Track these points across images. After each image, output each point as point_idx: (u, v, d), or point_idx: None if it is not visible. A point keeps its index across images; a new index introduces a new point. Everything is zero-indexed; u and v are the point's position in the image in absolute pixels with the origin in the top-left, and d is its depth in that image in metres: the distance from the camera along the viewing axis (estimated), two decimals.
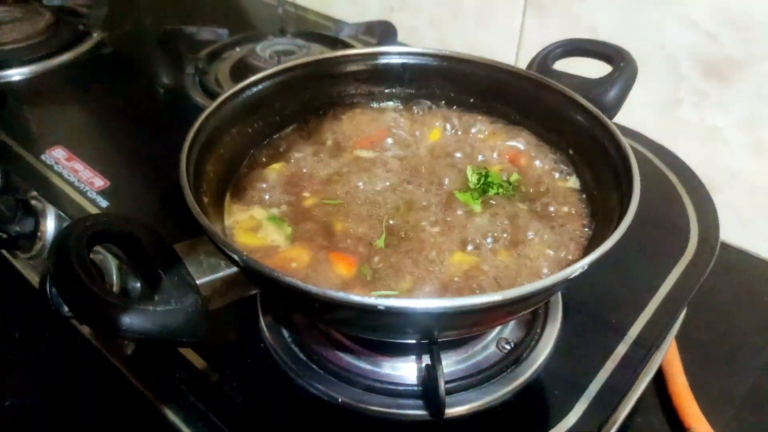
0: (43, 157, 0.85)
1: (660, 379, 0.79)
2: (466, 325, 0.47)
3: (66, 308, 0.52)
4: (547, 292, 0.45)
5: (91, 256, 0.43)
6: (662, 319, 0.65)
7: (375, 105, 0.72)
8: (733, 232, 0.99)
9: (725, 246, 0.99)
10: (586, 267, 0.43)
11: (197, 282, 0.45)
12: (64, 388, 0.76)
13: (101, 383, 0.73)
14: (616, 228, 0.45)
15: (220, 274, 0.46)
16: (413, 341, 0.53)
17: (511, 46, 1.12)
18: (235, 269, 0.47)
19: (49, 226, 0.80)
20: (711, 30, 0.91)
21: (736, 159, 0.99)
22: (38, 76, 1.06)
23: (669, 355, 0.80)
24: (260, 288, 0.48)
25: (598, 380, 0.59)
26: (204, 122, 0.56)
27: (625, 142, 0.54)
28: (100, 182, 0.81)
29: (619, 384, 0.58)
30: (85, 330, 0.76)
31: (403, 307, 0.40)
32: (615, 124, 0.90)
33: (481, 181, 0.59)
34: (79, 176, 0.82)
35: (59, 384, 0.77)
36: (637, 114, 0.98)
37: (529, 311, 0.59)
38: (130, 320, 0.39)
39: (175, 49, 1.04)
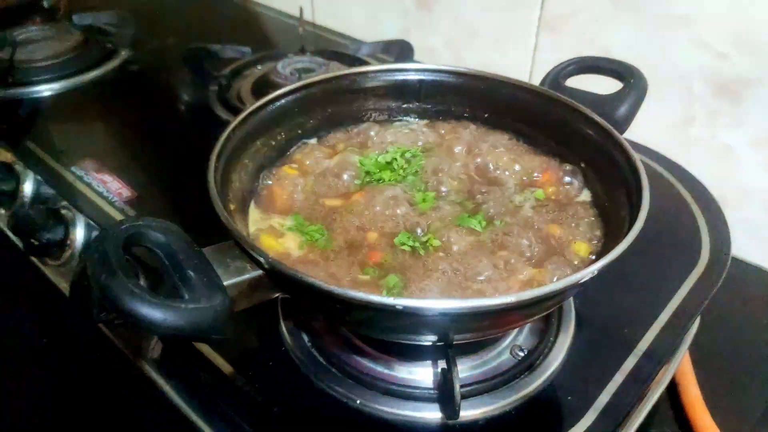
0: (73, 168, 0.89)
1: (673, 391, 0.79)
2: (481, 327, 0.48)
3: (97, 311, 0.55)
4: (560, 295, 0.47)
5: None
6: (672, 332, 0.66)
7: (393, 120, 0.75)
8: (747, 248, 0.99)
9: (740, 262, 0.99)
10: (596, 272, 0.45)
11: (225, 283, 0.48)
12: (89, 392, 0.79)
13: (127, 387, 0.76)
14: (626, 234, 0.47)
15: (246, 276, 0.49)
16: (430, 343, 0.55)
17: (524, 67, 1.15)
18: (260, 272, 0.49)
19: (79, 234, 0.83)
20: (722, 50, 0.93)
21: (750, 177, 1.00)
22: (68, 92, 1.11)
23: (682, 367, 0.81)
24: (283, 290, 0.50)
25: (608, 392, 0.60)
26: (231, 133, 0.59)
27: (635, 154, 0.56)
28: (127, 193, 0.84)
29: (629, 397, 0.59)
30: (112, 335, 0.79)
31: (420, 307, 0.42)
32: (626, 139, 0.92)
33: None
34: (107, 187, 0.85)
35: (85, 388, 0.80)
36: (650, 132, 1.00)
37: (542, 315, 0.61)
38: (164, 316, 0.41)
39: (199, 66, 1.08)
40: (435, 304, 0.42)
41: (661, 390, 0.73)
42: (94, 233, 0.83)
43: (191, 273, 0.46)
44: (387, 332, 0.52)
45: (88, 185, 0.86)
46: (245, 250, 0.47)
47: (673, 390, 0.79)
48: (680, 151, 0.96)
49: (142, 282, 0.61)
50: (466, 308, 0.42)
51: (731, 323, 0.90)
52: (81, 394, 0.79)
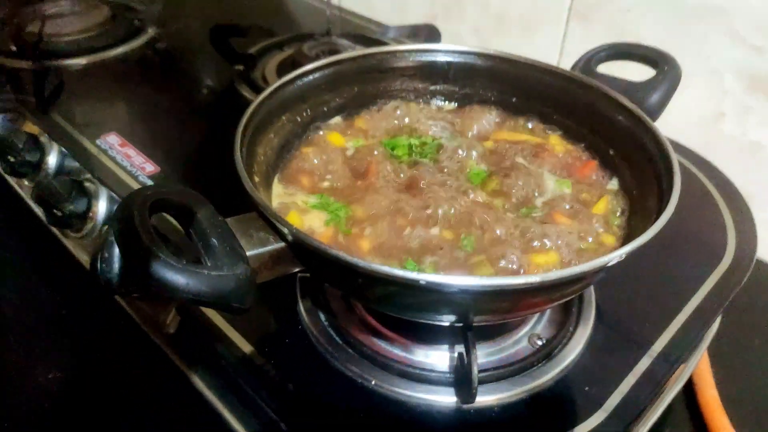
0: (98, 141, 0.89)
1: (690, 392, 0.78)
2: (502, 309, 0.48)
3: (116, 281, 0.56)
4: (584, 279, 0.46)
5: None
6: (690, 333, 0.64)
7: (420, 101, 0.74)
8: None
9: (764, 264, 0.97)
10: (623, 256, 0.44)
11: (247, 253, 0.47)
12: (107, 365, 0.80)
13: (144, 362, 0.76)
14: (656, 220, 0.46)
15: (269, 248, 0.49)
16: (449, 323, 0.54)
17: (552, 56, 1.13)
18: (282, 244, 0.49)
19: (101, 207, 0.83)
20: (757, 43, 0.90)
21: None
22: (95, 67, 1.11)
23: (700, 368, 0.80)
24: (305, 263, 0.50)
25: (620, 391, 0.58)
26: (258, 106, 0.59)
27: (667, 140, 0.55)
28: (151, 167, 0.85)
29: (641, 397, 0.58)
30: (130, 309, 0.80)
31: (443, 283, 0.42)
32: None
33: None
34: (131, 161, 0.86)
35: (103, 361, 0.80)
36: (679, 126, 0.98)
37: (563, 302, 0.60)
38: (186, 281, 0.41)
39: (226, 45, 1.08)
40: (457, 280, 0.41)
41: (677, 390, 0.72)
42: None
43: (214, 241, 0.46)
44: (407, 310, 0.51)
45: (113, 159, 0.86)
46: (269, 221, 0.47)
47: (690, 390, 0.78)
48: (709, 146, 0.94)
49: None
50: (489, 286, 0.42)
51: (752, 325, 0.88)
52: (98, 367, 0.80)
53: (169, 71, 1.13)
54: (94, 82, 1.08)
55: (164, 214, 0.48)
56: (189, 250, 0.47)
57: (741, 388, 0.79)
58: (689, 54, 0.98)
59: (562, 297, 0.50)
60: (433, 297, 0.45)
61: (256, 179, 0.55)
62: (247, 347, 0.62)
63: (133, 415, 0.73)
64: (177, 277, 0.41)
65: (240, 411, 0.64)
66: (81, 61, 1.11)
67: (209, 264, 0.45)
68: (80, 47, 1.13)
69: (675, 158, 0.52)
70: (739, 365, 0.82)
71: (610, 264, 0.43)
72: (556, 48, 1.11)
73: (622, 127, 0.61)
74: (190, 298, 0.42)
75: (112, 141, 0.90)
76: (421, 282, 0.41)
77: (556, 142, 0.68)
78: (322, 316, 0.64)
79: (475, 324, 0.52)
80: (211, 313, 0.65)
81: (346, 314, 0.64)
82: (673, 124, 0.96)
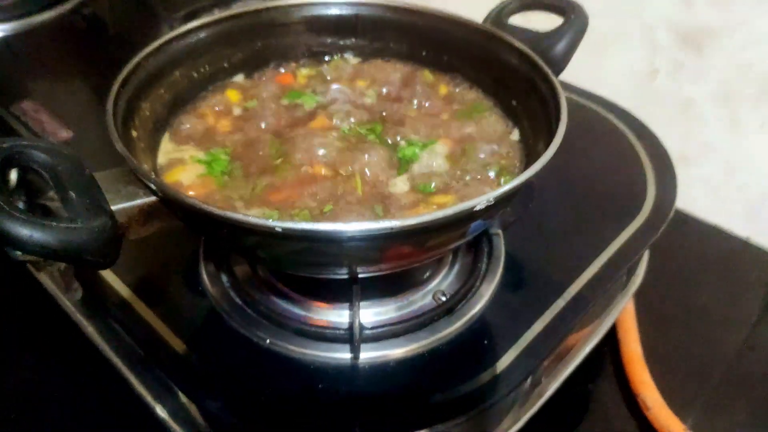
0: (11, 108, 0.87)
1: (615, 347, 0.78)
2: (373, 258, 0.46)
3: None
4: (452, 225, 0.44)
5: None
6: (604, 277, 0.64)
7: (328, 58, 0.72)
8: (708, 208, 0.97)
9: (699, 221, 0.97)
10: (492, 200, 0.42)
11: (113, 207, 0.46)
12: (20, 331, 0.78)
13: (53, 328, 0.75)
14: (529, 167, 0.44)
15: (137, 201, 0.47)
16: (335, 276, 0.53)
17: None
18: (152, 198, 0.47)
19: (12, 175, 0.81)
20: None
21: (713, 133, 0.97)
22: (17, 33, 1.07)
23: (626, 324, 0.80)
24: (177, 216, 0.48)
25: (532, 331, 0.59)
26: (142, 61, 0.57)
27: (558, 84, 0.53)
28: (64, 134, 0.82)
29: (551, 337, 0.58)
30: (43, 278, 0.78)
31: (300, 229, 0.40)
32: (591, 93, 0.89)
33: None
34: (44, 127, 0.83)
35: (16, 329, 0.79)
36: (616, 85, 0.97)
37: (444, 251, 0.59)
38: (29, 233, 0.40)
39: (152, 7, 1.04)
40: (310, 226, 0.40)
41: (597, 340, 0.72)
42: (29, 175, 0.80)
43: (72, 194, 0.44)
44: (287, 264, 0.50)
45: (25, 125, 0.83)
46: (132, 169, 0.45)
47: (614, 345, 0.78)
48: (644, 104, 0.93)
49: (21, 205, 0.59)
50: (349, 232, 0.40)
51: (683, 282, 0.88)
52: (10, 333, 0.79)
53: (95, 38, 1.09)
54: (15, 49, 1.04)
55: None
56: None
57: (664, 343, 0.80)
58: (623, 10, 0.97)
59: (438, 246, 0.48)
60: (299, 246, 0.44)
61: (134, 133, 0.53)
62: (147, 313, 0.60)
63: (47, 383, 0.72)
64: (19, 229, 0.39)
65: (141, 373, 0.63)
66: (4, 27, 1.07)
67: (66, 217, 0.43)
68: (4, 14, 1.09)
69: (564, 102, 0.51)
70: (665, 321, 0.83)
71: (477, 208, 0.42)
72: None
73: (523, 76, 0.60)
74: (37, 251, 0.40)
75: (26, 108, 0.87)
76: (277, 229, 0.40)
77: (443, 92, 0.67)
78: (225, 278, 0.62)
79: (361, 276, 0.51)
80: (113, 279, 0.64)
81: (250, 277, 0.63)
82: (610, 83, 0.96)
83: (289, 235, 0.41)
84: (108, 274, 0.64)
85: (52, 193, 0.75)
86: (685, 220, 0.97)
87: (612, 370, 0.78)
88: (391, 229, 0.40)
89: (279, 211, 0.50)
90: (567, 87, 0.94)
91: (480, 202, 0.42)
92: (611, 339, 0.78)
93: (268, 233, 0.41)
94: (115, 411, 0.68)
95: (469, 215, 0.43)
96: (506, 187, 0.43)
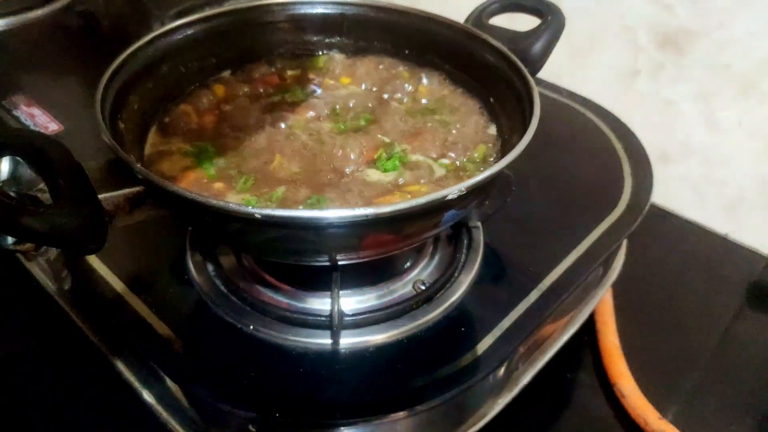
0: (3, 102, 0.88)
1: (593, 338, 0.80)
2: (352, 245, 0.48)
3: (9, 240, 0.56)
4: (426, 214, 0.46)
5: None
6: (580, 269, 0.67)
7: (314, 54, 0.74)
8: (689, 206, 0.99)
9: (679, 218, 1.00)
10: (464, 190, 0.44)
11: (100, 196, 0.47)
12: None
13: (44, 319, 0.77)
14: (502, 157, 0.46)
15: (124, 191, 0.49)
16: (316, 263, 0.55)
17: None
18: (138, 188, 0.49)
19: (3, 167, 0.82)
20: (666, 1, 0.91)
21: (692, 132, 1.00)
22: (12, 30, 1.08)
23: (604, 316, 0.82)
24: (162, 205, 0.50)
25: (509, 319, 0.61)
26: (130, 56, 0.59)
27: (532, 80, 0.55)
28: (55, 126, 0.84)
29: (528, 324, 0.60)
30: (32, 267, 0.79)
31: (279, 215, 0.42)
32: (572, 92, 0.91)
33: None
34: (35, 120, 0.85)
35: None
36: (597, 85, 1.00)
37: (421, 240, 0.61)
38: (21, 219, 0.41)
39: (144, 5, 1.06)
40: (288, 213, 0.42)
41: (573, 329, 0.74)
42: (20, 167, 0.82)
43: (61, 182, 0.46)
44: (265, 250, 0.52)
45: (16, 118, 0.85)
46: (117, 157, 0.47)
47: (593, 337, 0.80)
48: (625, 104, 0.95)
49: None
50: (326, 219, 0.42)
51: (662, 277, 0.90)
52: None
53: (88, 34, 1.11)
54: (9, 45, 1.06)
55: None
56: None
57: (642, 336, 0.81)
58: (604, 12, 0.99)
59: (414, 235, 0.50)
60: (279, 233, 0.46)
61: (122, 125, 0.55)
62: (135, 301, 0.62)
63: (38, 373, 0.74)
64: (9, 216, 0.41)
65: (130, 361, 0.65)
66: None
67: (55, 204, 0.44)
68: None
69: (537, 98, 0.53)
70: (643, 315, 0.85)
71: (448, 197, 0.44)
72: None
73: (500, 75, 0.62)
74: (28, 236, 0.42)
75: (17, 101, 0.88)
76: (257, 216, 0.42)
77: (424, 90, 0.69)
78: (210, 268, 0.64)
79: (341, 263, 0.53)
80: (102, 268, 0.66)
81: (235, 266, 0.65)
82: (593, 84, 0.98)
83: (268, 222, 0.43)
84: (98, 264, 0.66)
85: (42, 185, 0.77)
86: (665, 217, 0.99)
87: (590, 360, 0.80)
88: (366, 216, 0.42)
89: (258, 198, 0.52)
90: (549, 87, 0.97)
91: (452, 191, 0.44)
92: (590, 330, 0.80)
93: (248, 220, 0.43)
94: (101, 396, 0.69)
95: (442, 204, 0.44)
96: (478, 178, 0.45)
